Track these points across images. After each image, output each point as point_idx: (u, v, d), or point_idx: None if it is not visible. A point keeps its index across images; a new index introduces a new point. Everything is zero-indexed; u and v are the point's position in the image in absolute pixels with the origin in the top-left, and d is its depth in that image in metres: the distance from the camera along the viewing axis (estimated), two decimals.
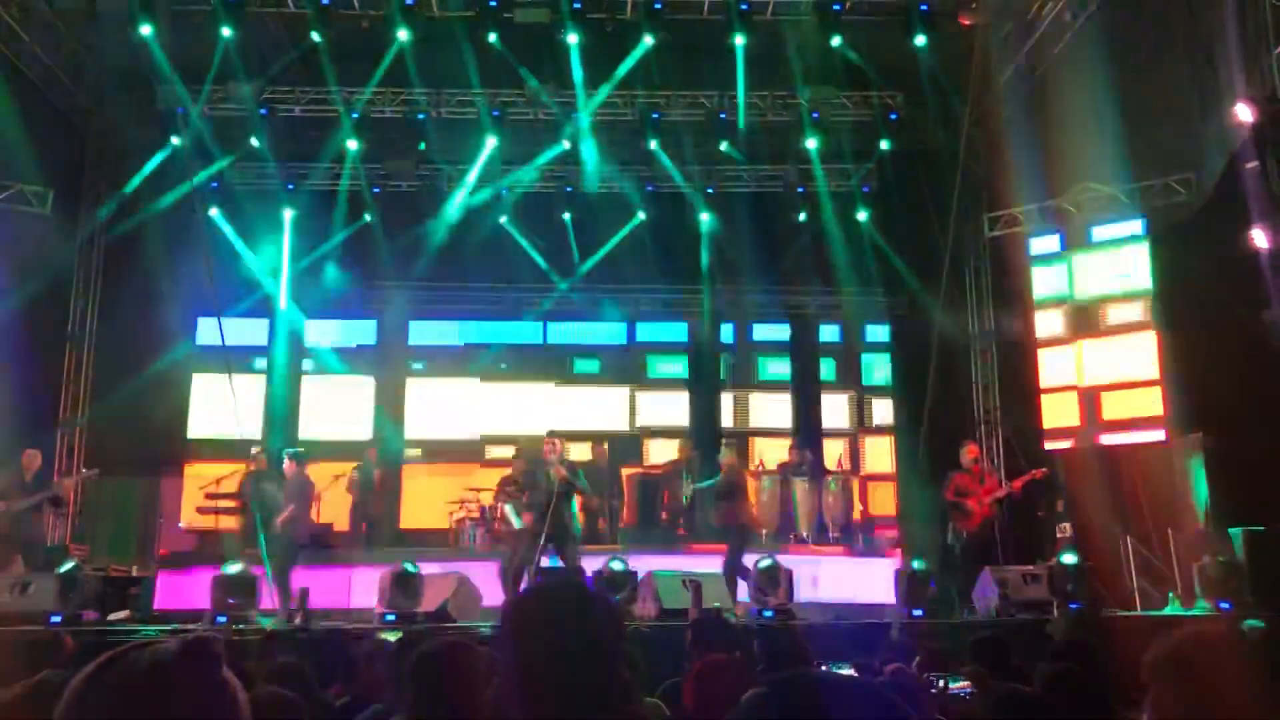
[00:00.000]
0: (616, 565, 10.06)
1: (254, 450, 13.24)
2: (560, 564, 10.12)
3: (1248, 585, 9.61)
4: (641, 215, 15.82)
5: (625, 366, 16.57)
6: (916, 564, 10.16)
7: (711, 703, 3.10)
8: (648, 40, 12.90)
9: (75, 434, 14.11)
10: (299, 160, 15.32)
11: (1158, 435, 12.43)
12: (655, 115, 14.57)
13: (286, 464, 11.41)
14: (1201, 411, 11.46)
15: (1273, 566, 9.72)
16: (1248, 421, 10.41)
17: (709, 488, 12.05)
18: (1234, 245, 10.52)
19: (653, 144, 14.76)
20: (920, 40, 12.60)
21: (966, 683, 4.48)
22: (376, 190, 15.50)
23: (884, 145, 14.61)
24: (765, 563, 10.10)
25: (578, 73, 13.49)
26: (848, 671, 4.65)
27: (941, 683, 4.53)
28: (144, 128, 14.32)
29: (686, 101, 14.73)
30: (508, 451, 14.22)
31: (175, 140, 13.91)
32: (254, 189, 15.40)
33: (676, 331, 16.82)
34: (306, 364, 16.01)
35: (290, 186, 15.39)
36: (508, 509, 11.50)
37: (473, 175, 15.19)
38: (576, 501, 10.52)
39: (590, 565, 10.29)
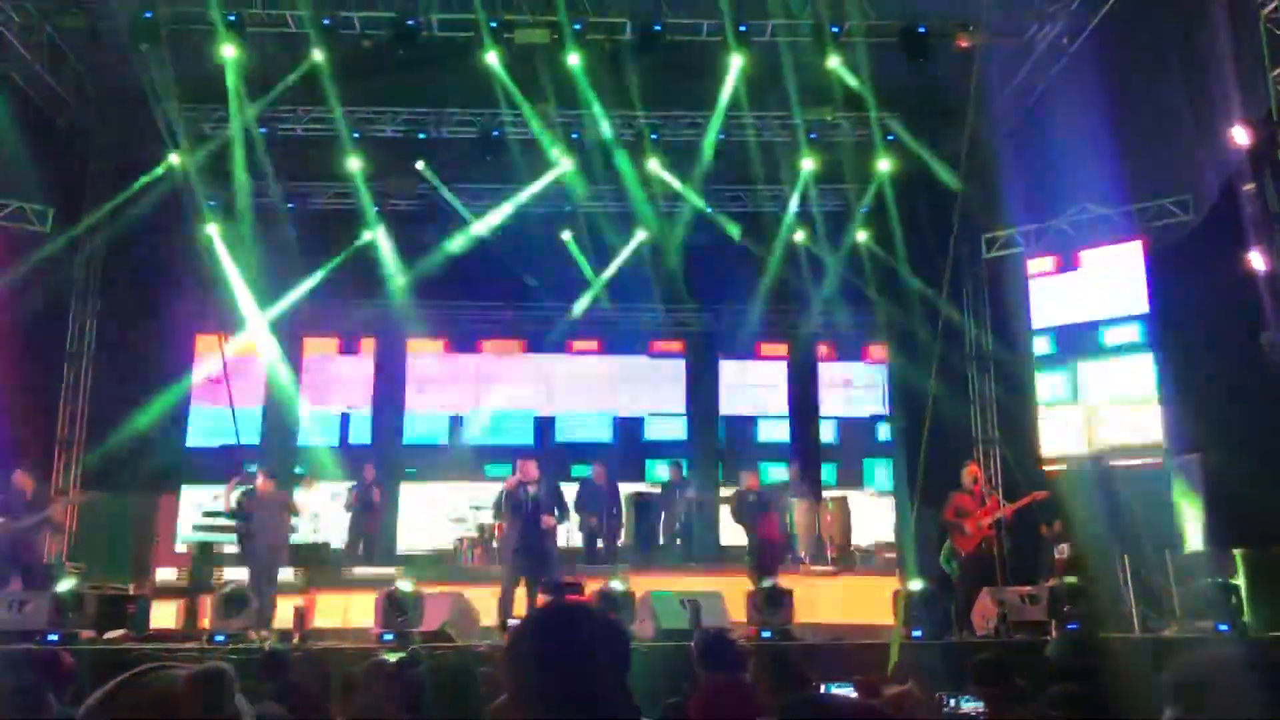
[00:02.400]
0: (616, 585, 10.04)
1: (252, 469, 13.24)
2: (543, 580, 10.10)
3: (1246, 607, 9.59)
4: (642, 234, 15.87)
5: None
6: (915, 585, 10.13)
7: None
8: (647, 61, 13.00)
9: (72, 452, 14.08)
10: (300, 179, 15.37)
11: (1155, 456, 12.44)
12: (654, 135, 14.64)
13: (260, 481, 11.37)
14: (1199, 432, 11.47)
15: (1271, 588, 9.70)
16: (1245, 442, 10.41)
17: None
18: (1231, 266, 10.55)
19: (652, 163, 14.83)
20: (918, 62, 12.68)
21: (980, 704, 4.44)
22: (377, 209, 15.52)
23: (882, 166, 14.66)
24: (765, 583, 10.08)
25: (589, 94, 13.58)
26: (849, 692, 4.64)
27: (953, 702, 4.49)
28: (144, 147, 14.34)
29: (684, 122, 14.79)
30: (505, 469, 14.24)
31: (174, 159, 13.95)
32: (253, 208, 15.42)
33: (674, 351, 16.84)
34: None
35: (291, 206, 15.41)
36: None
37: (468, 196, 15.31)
38: (546, 521, 10.50)
39: (590, 585, 10.26)
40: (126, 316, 14.37)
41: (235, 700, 1.53)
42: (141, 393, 13.87)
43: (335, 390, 16.42)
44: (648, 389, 16.63)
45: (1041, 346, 13.80)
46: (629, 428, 16.46)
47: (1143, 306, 13.01)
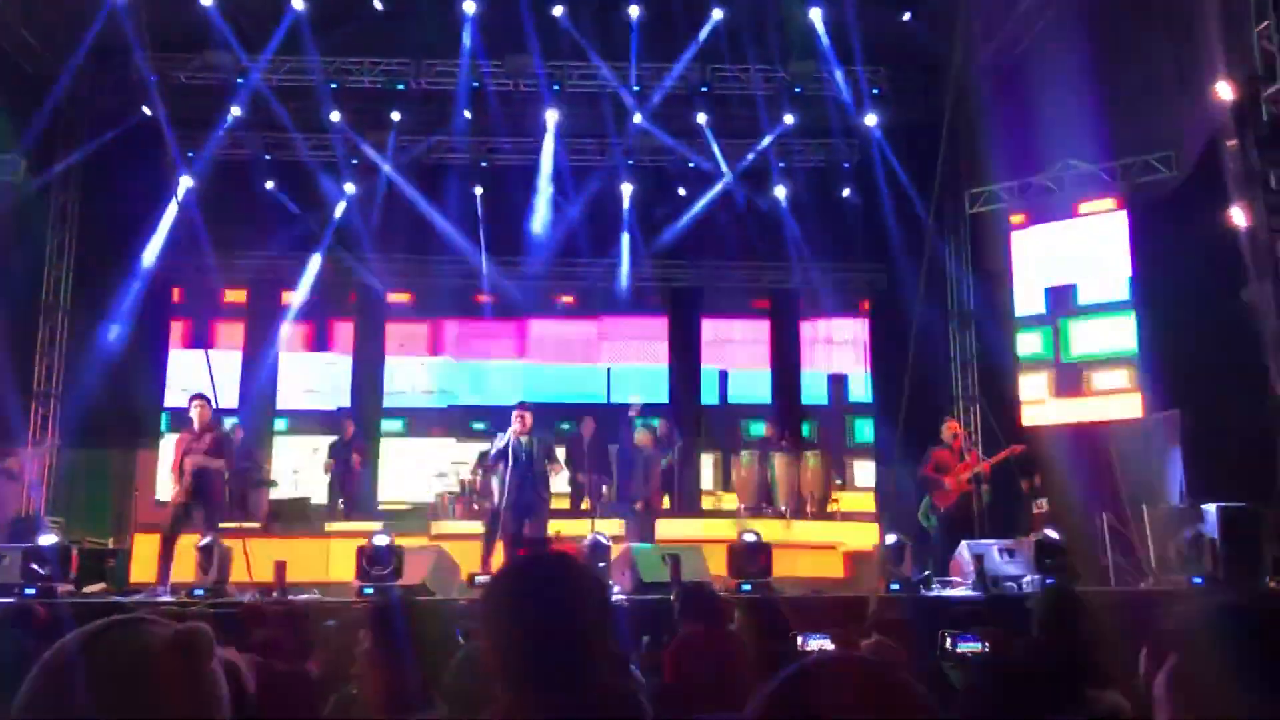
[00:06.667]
0: (601, 539, 10.09)
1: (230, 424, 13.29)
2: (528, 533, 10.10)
3: (1220, 561, 9.69)
4: (627, 187, 15.76)
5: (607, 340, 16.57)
6: (893, 539, 10.21)
7: (691, 674, 3.10)
8: (633, 12, 12.88)
9: (49, 405, 13.98)
10: (276, 130, 15.18)
11: (1135, 412, 12.52)
12: (636, 88, 14.50)
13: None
14: (1179, 388, 11.54)
15: (1246, 543, 9.81)
16: (1224, 398, 10.48)
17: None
18: (1213, 223, 10.55)
19: (637, 118, 14.71)
20: (905, 15, 12.59)
21: (978, 643, 4.43)
22: (354, 161, 15.36)
23: (867, 121, 14.59)
24: (748, 536, 10.14)
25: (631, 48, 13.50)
26: (825, 643, 4.66)
27: (950, 642, 4.46)
28: (118, 97, 14.12)
29: (666, 74, 14.63)
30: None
31: (147, 110, 13.75)
32: (231, 159, 15.23)
33: (657, 307, 16.78)
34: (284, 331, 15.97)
35: (267, 157, 15.23)
36: (494, 480, 11.46)
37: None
38: (552, 472, 10.48)
39: (576, 539, 10.29)
40: (103, 267, 14.22)
41: (213, 662, 1.49)
42: (118, 345, 13.75)
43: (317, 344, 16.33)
44: (631, 346, 16.60)
45: (1022, 302, 13.81)
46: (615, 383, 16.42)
47: (1125, 262, 13.02)
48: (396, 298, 16.24)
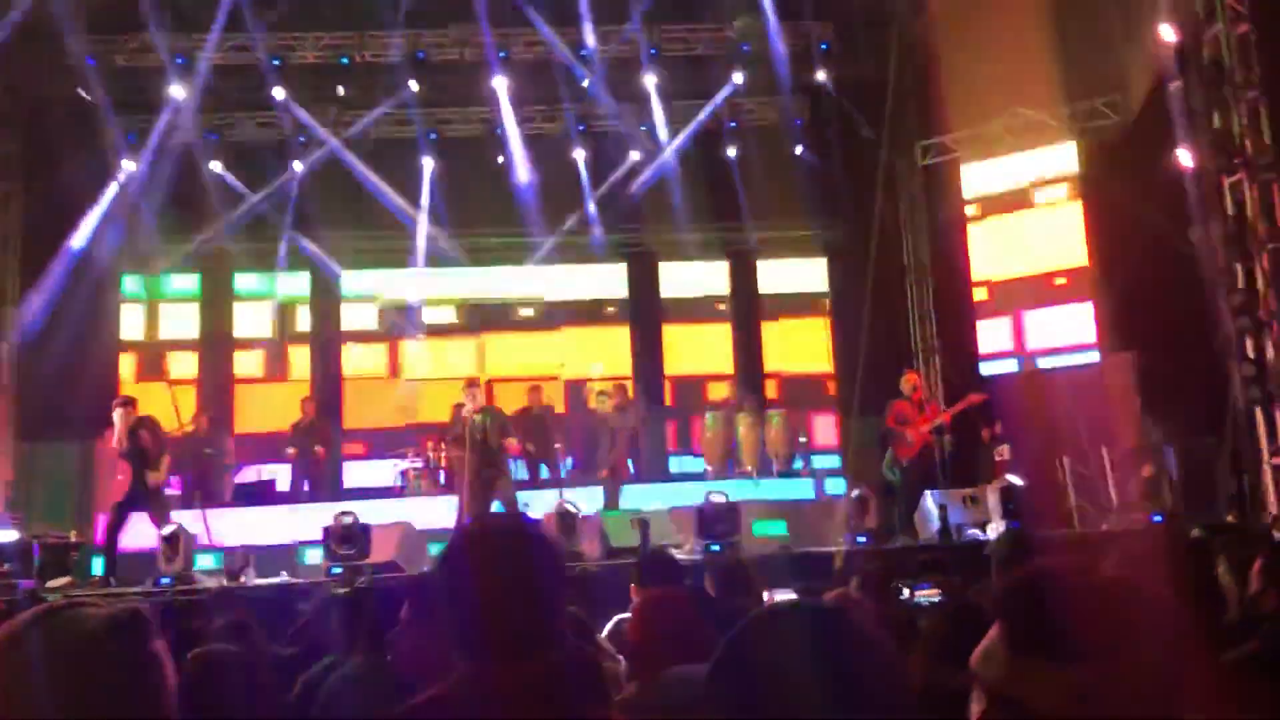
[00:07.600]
0: (569, 507, 10.11)
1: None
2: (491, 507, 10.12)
3: (1180, 498, 9.88)
4: (580, 154, 15.64)
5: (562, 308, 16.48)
6: (857, 492, 10.30)
7: (656, 636, 3.11)
8: None
9: (1, 401, 13.76)
10: (220, 110, 14.91)
11: (1091, 355, 12.68)
12: (585, 52, 14.37)
13: None
14: (1133, 330, 11.69)
15: (1202, 478, 10.00)
16: (1177, 338, 10.63)
17: None
18: (1160, 165, 10.66)
19: (586, 81, 14.59)
20: None
21: (934, 591, 4.51)
22: (302, 139, 15.12)
23: (817, 77, 14.55)
24: (716, 498, 10.19)
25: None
26: (791, 596, 4.70)
27: (906, 591, 4.54)
28: (55, 81, 13.81)
29: (613, 37, 14.51)
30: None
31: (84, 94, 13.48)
32: (176, 141, 14.93)
33: (615, 273, 16.70)
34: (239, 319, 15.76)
35: (214, 137, 14.97)
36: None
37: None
38: (508, 446, 10.51)
39: (542, 507, 10.31)
40: (51, 256, 13.95)
41: (153, 644, 1.48)
42: (71, 337, 13.54)
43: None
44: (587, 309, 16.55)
45: (978, 251, 13.92)
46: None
47: (1076, 208, 13.14)
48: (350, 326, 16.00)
